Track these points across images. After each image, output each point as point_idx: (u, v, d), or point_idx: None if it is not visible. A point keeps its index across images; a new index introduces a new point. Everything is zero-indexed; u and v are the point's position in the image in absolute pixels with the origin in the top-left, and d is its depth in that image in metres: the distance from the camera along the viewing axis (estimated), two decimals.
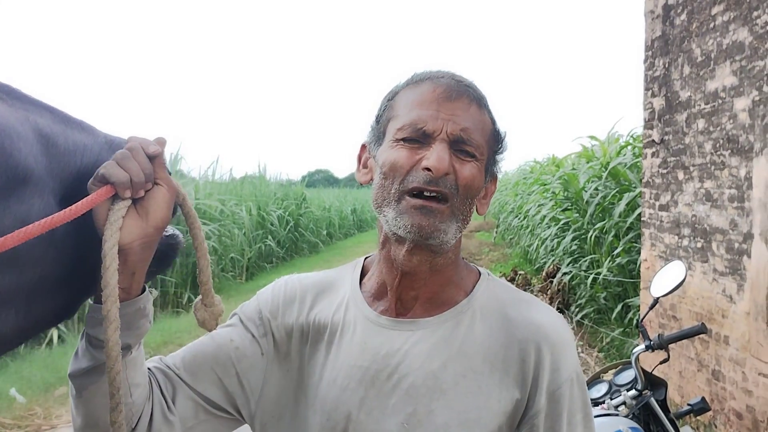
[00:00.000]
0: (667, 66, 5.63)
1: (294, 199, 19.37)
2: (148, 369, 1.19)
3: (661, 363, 2.80)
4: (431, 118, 1.12)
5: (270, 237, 16.48)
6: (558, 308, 9.12)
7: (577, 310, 8.60)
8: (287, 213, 18.20)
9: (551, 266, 10.15)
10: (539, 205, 12.16)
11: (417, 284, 1.18)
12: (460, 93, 1.15)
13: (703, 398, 2.75)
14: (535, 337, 1.13)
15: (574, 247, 9.53)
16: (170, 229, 1.14)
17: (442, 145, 1.11)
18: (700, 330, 2.73)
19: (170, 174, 1.08)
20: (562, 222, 10.31)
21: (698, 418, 4.97)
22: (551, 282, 9.64)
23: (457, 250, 1.20)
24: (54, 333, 8.10)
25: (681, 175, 5.34)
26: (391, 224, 1.12)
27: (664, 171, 5.65)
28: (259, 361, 1.22)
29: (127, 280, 1.03)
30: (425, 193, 1.11)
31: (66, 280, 1.01)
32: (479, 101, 1.17)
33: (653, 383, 2.71)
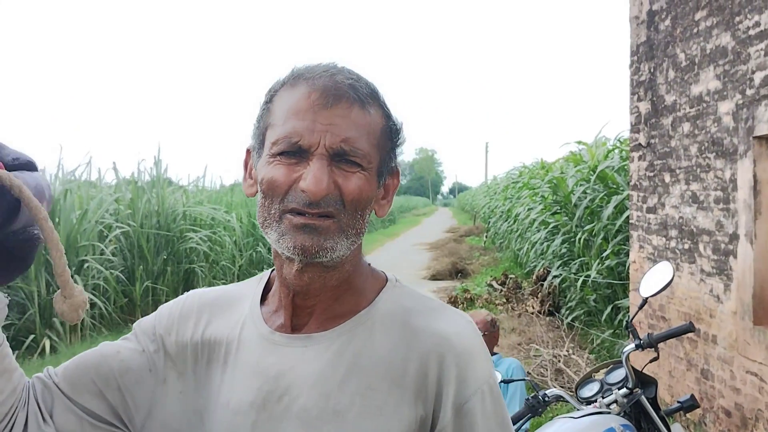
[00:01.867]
0: (652, 70, 5.73)
1: None
2: (35, 378, 1.15)
3: (650, 362, 2.87)
4: (307, 130, 1.00)
5: (261, 244, 16.50)
6: (548, 311, 9.21)
7: (567, 312, 8.69)
8: None
9: (541, 269, 10.24)
10: (529, 209, 12.26)
11: (310, 301, 1.09)
12: (338, 97, 1.02)
13: (692, 395, 2.82)
14: (437, 348, 1.02)
15: (563, 250, 9.62)
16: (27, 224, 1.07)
17: (320, 163, 1.00)
18: (689, 328, 2.80)
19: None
20: (551, 225, 10.40)
21: (688, 416, 5.05)
22: (542, 285, 9.73)
23: (355, 261, 1.10)
24: (47, 343, 8.10)
25: (667, 178, 5.43)
26: (276, 245, 1.04)
27: (651, 174, 5.73)
28: (146, 377, 1.14)
29: None
30: (306, 214, 1.01)
31: None
32: (363, 101, 1.04)
33: (643, 382, 2.78)
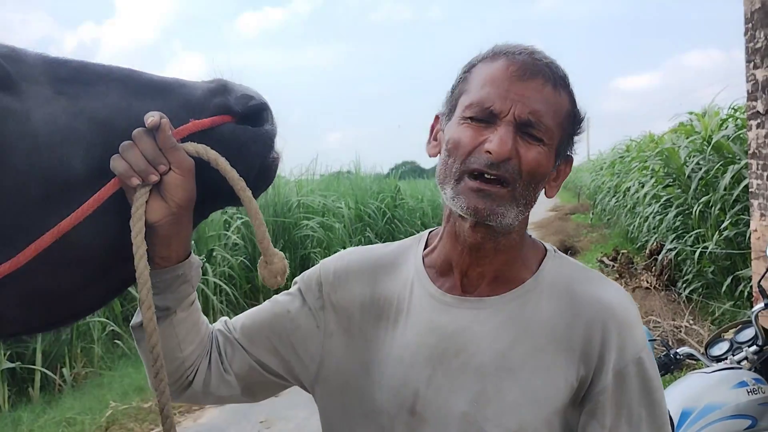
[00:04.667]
0: None
1: (389, 192, 19.75)
2: (216, 331, 1.28)
3: None
4: (500, 97, 1.08)
5: (368, 229, 16.93)
6: (664, 285, 9.12)
7: (684, 285, 8.59)
8: (384, 205, 18.62)
9: (654, 243, 10.12)
10: (639, 183, 12.07)
11: (482, 261, 1.17)
12: (535, 73, 1.10)
13: None
14: (601, 315, 1.12)
15: (677, 224, 9.46)
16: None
17: (507, 128, 1.08)
18: None
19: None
20: (663, 199, 10.24)
21: None
22: (656, 259, 9.62)
23: (522, 230, 1.18)
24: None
25: None
26: (450, 203, 1.12)
27: None
28: (314, 334, 1.24)
29: (164, 250, 1.07)
30: (486, 176, 1.09)
31: (115, 261, 1.05)
32: (556, 81, 1.12)
33: None
